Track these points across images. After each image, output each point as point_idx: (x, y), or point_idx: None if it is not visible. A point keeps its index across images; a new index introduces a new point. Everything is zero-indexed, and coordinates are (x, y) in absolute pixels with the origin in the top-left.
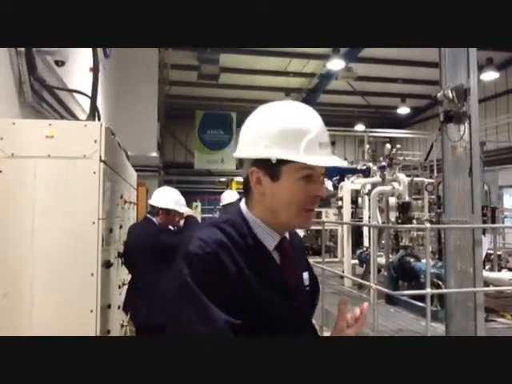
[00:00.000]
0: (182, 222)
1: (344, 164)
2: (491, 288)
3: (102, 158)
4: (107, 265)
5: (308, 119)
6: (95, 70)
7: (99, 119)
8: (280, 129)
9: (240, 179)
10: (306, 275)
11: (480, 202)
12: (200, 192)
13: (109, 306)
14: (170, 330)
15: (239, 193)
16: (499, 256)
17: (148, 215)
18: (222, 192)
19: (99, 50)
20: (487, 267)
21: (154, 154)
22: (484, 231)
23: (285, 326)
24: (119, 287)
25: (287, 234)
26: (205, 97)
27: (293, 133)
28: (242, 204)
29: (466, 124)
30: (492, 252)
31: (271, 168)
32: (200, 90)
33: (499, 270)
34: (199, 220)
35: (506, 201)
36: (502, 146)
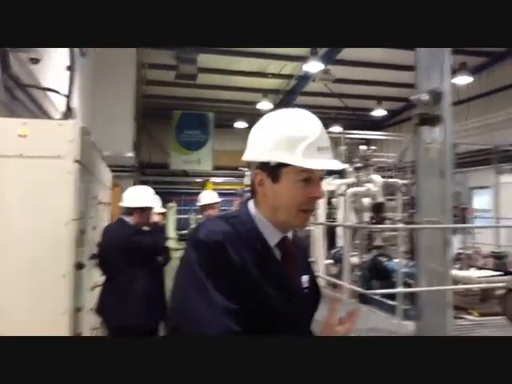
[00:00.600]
0: (157, 218)
1: (341, 167)
2: (460, 286)
3: (77, 158)
4: (79, 266)
5: (307, 126)
6: (71, 68)
7: (74, 118)
8: (280, 134)
9: (216, 180)
10: (305, 278)
11: (451, 203)
12: (176, 193)
13: (80, 309)
14: (175, 309)
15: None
16: (468, 255)
17: (122, 216)
18: (198, 193)
19: (76, 49)
20: (456, 266)
21: (130, 154)
22: (454, 231)
23: (283, 321)
24: (92, 289)
25: (290, 235)
26: (182, 97)
27: (292, 138)
28: (250, 203)
29: (440, 127)
30: (462, 251)
31: (272, 170)
32: (178, 89)
33: (468, 269)
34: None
35: (475, 202)
36: (474, 149)
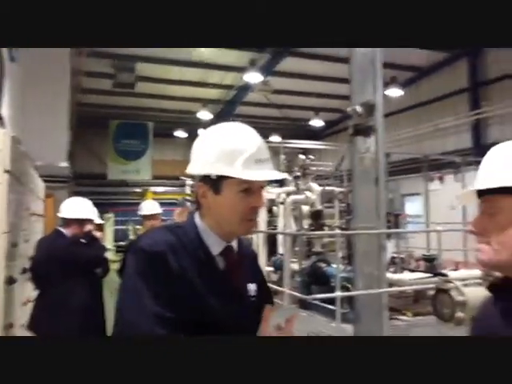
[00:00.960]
0: (97, 233)
1: (280, 177)
2: (394, 288)
3: (7, 169)
4: (11, 281)
5: (246, 139)
6: (1, 75)
7: (4, 127)
8: (221, 148)
9: (156, 189)
10: (252, 287)
11: (385, 209)
12: (113, 203)
13: (12, 325)
14: (114, 317)
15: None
16: (402, 259)
17: (58, 228)
18: (137, 203)
19: (5, 53)
20: (391, 270)
21: (64, 164)
22: (389, 236)
23: (226, 329)
24: (24, 304)
25: (235, 244)
26: (120, 106)
27: (231, 151)
28: (196, 214)
29: (373, 137)
30: (396, 255)
31: (214, 183)
32: (115, 98)
33: (401, 272)
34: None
35: (407, 208)
36: (405, 158)
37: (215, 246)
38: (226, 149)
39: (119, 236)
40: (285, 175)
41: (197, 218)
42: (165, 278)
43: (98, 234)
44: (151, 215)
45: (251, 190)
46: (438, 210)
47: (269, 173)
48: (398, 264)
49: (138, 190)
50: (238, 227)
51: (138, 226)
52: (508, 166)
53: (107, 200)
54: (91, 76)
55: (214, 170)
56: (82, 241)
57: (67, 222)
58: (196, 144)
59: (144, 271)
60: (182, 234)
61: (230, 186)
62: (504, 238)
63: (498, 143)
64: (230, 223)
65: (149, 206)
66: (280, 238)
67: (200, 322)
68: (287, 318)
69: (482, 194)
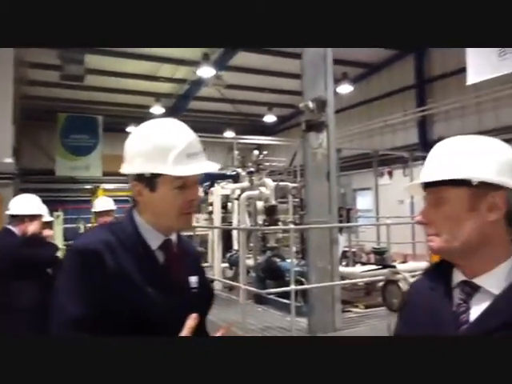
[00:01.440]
0: (48, 232)
1: (213, 169)
2: (347, 281)
3: None
4: None
5: (175, 135)
6: None
7: None
8: (151, 146)
9: (107, 186)
10: (194, 279)
11: (337, 204)
12: (62, 201)
13: None
14: None
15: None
16: (353, 252)
17: (7, 226)
18: (87, 200)
19: None
20: (343, 263)
21: (8, 160)
22: (340, 230)
23: (167, 320)
24: None
25: (174, 238)
26: (69, 99)
27: (161, 149)
28: (134, 210)
29: (324, 132)
30: (347, 249)
31: (148, 181)
32: (63, 91)
33: (353, 265)
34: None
35: (359, 202)
36: (356, 153)
37: (154, 241)
38: (156, 146)
39: (69, 235)
40: (218, 166)
41: (135, 214)
42: (100, 276)
43: (48, 232)
44: (104, 212)
45: (186, 184)
46: (388, 205)
47: (202, 166)
48: (349, 257)
49: (88, 186)
50: (177, 221)
51: (89, 224)
52: (451, 161)
53: (56, 197)
54: (38, 67)
55: (147, 169)
56: (33, 239)
57: (16, 220)
58: (127, 143)
59: (77, 271)
60: (119, 230)
61: (164, 182)
62: (453, 228)
63: (442, 139)
64: (168, 218)
65: (102, 203)
66: (235, 233)
67: (141, 316)
68: (220, 330)
69: (427, 186)
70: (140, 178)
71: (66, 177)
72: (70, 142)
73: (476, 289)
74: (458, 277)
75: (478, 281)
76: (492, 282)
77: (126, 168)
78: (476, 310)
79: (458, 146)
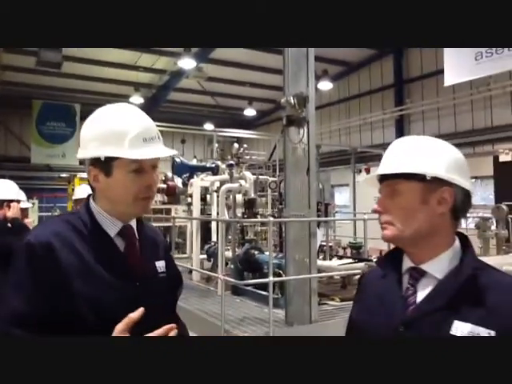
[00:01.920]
0: (27, 220)
1: (169, 153)
2: (323, 274)
3: None
4: None
5: (131, 119)
6: None
7: None
8: (105, 130)
9: (83, 175)
10: (160, 263)
11: (315, 199)
12: (37, 189)
13: None
14: None
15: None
16: (330, 246)
17: None
18: (63, 189)
19: None
20: (321, 257)
21: None
22: (318, 224)
23: (129, 306)
24: None
25: (134, 224)
26: (45, 85)
27: (117, 132)
28: (91, 199)
29: (305, 128)
30: (325, 243)
31: (104, 166)
32: (39, 77)
33: (330, 259)
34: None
35: (336, 198)
36: (334, 150)
37: (111, 227)
38: (112, 130)
39: None
40: (175, 152)
41: (91, 202)
42: (51, 270)
43: (28, 220)
44: (83, 199)
45: (143, 169)
46: (365, 201)
47: (158, 150)
48: (326, 251)
49: (64, 175)
50: (134, 207)
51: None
52: (406, 157)
53: (31, 185)
54: (13, 52)
55: (102, 152)
56: (9, 226)
57: None
58: (83, 128)
59: (26, 265)
60: (75, 219)
61: (120, 166)
62: (406, 218)
63: None
64: (125, 204)
65: (81, 191)
66: (214, 225)
67: (100, 306)
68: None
69: (384, 178)
70: (95, 162)
71: (42, 164)
72: (46, 130)
73: (422, 274)
74: (407, 263)
75: (424, 267)
76: (436, 268)
77: (81, 153)
78: (422, 293)
79: (412, 144)
